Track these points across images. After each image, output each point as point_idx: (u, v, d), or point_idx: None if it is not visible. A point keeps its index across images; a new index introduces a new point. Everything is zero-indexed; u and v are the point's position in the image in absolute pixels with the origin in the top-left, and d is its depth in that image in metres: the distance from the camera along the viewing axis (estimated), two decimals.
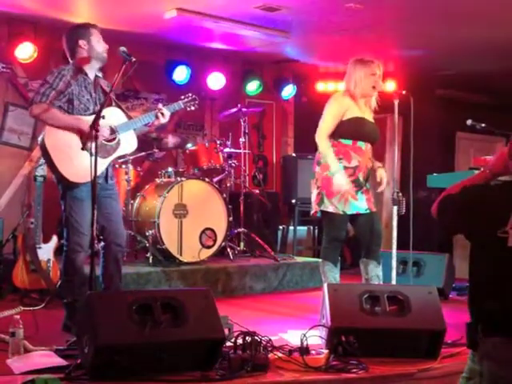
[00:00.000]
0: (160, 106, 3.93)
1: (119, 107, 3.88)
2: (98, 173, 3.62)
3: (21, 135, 5.92)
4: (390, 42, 6.26)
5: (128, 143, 3.85)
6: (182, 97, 4.19)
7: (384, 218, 7.51)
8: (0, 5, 5.25)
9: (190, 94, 4.22)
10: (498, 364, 2.04)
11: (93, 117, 3.58)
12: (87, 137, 3.49)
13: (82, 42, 3.70)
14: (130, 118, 3.86)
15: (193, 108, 4.24)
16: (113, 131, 3.75)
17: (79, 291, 3.65)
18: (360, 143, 4.11)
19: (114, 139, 3.76)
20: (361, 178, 4.12)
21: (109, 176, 3.81)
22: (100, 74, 3.83)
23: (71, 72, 3.68)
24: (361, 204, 4.10)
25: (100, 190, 3.68)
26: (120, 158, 4.02)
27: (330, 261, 4.15)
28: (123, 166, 5.51)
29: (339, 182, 3.99)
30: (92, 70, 3.76)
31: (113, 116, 3.75)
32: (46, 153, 3.63)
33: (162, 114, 3.87)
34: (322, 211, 4.12)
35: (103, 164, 3.69)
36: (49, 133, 3.63)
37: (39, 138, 3.72)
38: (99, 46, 3.72)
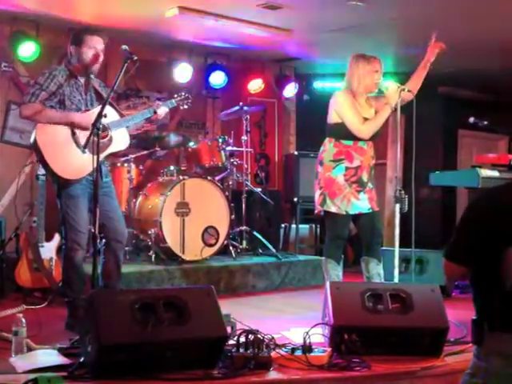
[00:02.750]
0: (157, 102, 3.95)
1: (112, 105, 3.89)
2: (90, 169, 3.63)
3: (23, 134, 5.92)
4: (392, 39, 6.25)
5: (120, 140, 3.88)
6: (175, 95, 4.23)
7: (386, 216, 7.51)
8: (2, 4, 5.25)
9: (183, 93, 4.27)
10: (505, 360, 2.04)
11: (87, 114, 3.61)
12: (81, 128, 3.55)
13: (72, 48, 3.76)
14: (122, 116, 3.89)
15: (186, 107, 4.31)
16: (105, 128, 3.76)
17: (79, 289, 3.67)
18: (361, 143, 4.11)
19: (106, 136, 3.78)
20: (364, 178, 4.11)
21: (103, 174, 3.82)
22: (92, 76, 3.85)
23: (63, 73, 3.72)
24: (363, 204, 4.11)
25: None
26: (114, 155, 4.03)
27: (333, 259, 4.15)
28: (125, 165, 5.51)
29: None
30: (82, 74, 3.79)
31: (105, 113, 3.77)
32: (37, 150, 3.66)
33: (157, 111, 3.90)
34: (325, 211, 4.13)
35: (95, 161, 3.69)
36: (40, 130, 3.66)
37: (31, 137, 3.74)
38: (87, 55, 3.72)
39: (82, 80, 3.78)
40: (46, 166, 3.67)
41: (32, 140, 3.70)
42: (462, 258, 2.20)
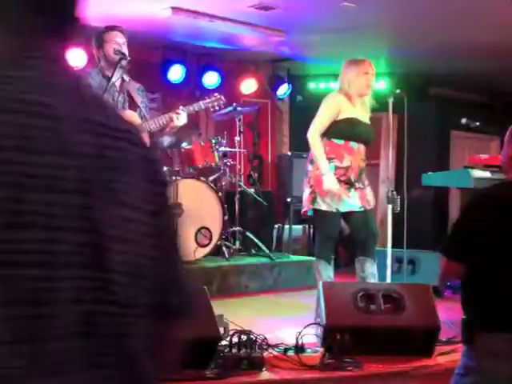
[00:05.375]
0: (181, 107, 3.91)
1: (141, 114, 3.86)
2: None
3: None
4: (385, 40, 6.27)
5: None
6: (206, 97, 4.14)
7: (379, 217, 7.52)
8: None
9: (216, 94, 4.16)
10: (498, 360, 2.05)
11: None
12: None
13: (96, 51, 3.82)
14: (146, 120, 3.86)
15: (217, 108, 4.16)
16: None
17: None
18: (352, 143, 4.12)
19: None
20: (352, 178, 4.12)
21: None
22: (127, 78, 3.83)
23: (94, 75, 3.73)
24: (354, 201, 4.11)
25: None
26: None
27: (324, 259, 4.15)
28: None
29: (329, 183, 4.00)
30: (115, 75, 3.75)
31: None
32: None
33: (178, 116, 3.86)
34: (315, 210, 4.13)
35: None
36: None
37: None
38: (111, 51, 3.74)
39: (114, 81, 3.75)
40: None
41: None
42: (458, 254, 2.21)
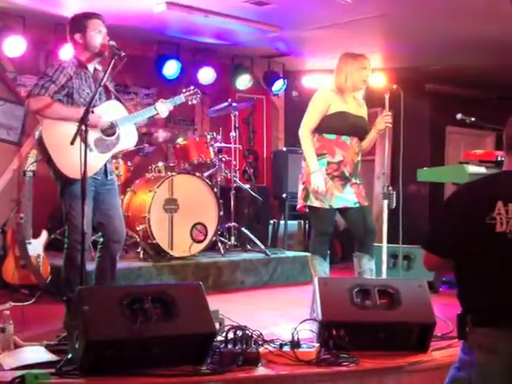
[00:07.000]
0: (161, 100, 3.88)
1: (119, 101, 3.83)
2: (97, 168, 3.60)
3: (10, 130, 5.89)
4: (380, 36, 6.27)
5: (128, 138, 3.79)
6: (184, 90, 4.14)
7: (375, 212, 7.53)
8: None
9: (192, 87, 4.18)
10: (487, 354, 2.07)
11: (94, 110, 3.52)
12: (89, 126, 3.38)
13: (77, 36, 3.64)
14: (130, 111, 3.82)
15: (195, 102, 4.19)
16: (113, 126, 3.71)
17: None
18: (344, 138, 4.10)
19: (114, 134, 3.72)
20: (346, 173, 4.11)
21: (108, 171, 3.76)
22: (100, 68, 3.77)
23: (72, 65, 3.63)
24: (348, 197, 4.10)
25: (99, 185, 3.66)
26: (120, 152, 3.95)
27: (319, 254, 4.15)
28: (113, 161, 5.48)
29: (316, 182, 4.00)
30: (91, 64, 3.70)
31: (113, 110, 3.70)
32: (43, 148, 3.58)
33: (160, 107, 3.83)
34: (309, 206, 4.13)
35: (102, 159, 3.65)
36: (46, 128, 3.58)
37: (36, 133, 3.68)
38: (95, 39, 3.62)
39: (91, 71, 3.68)
40: (51, 164, 3.58)
41: (37, 137, 3.64)
42: (438, 247, 2.24)
